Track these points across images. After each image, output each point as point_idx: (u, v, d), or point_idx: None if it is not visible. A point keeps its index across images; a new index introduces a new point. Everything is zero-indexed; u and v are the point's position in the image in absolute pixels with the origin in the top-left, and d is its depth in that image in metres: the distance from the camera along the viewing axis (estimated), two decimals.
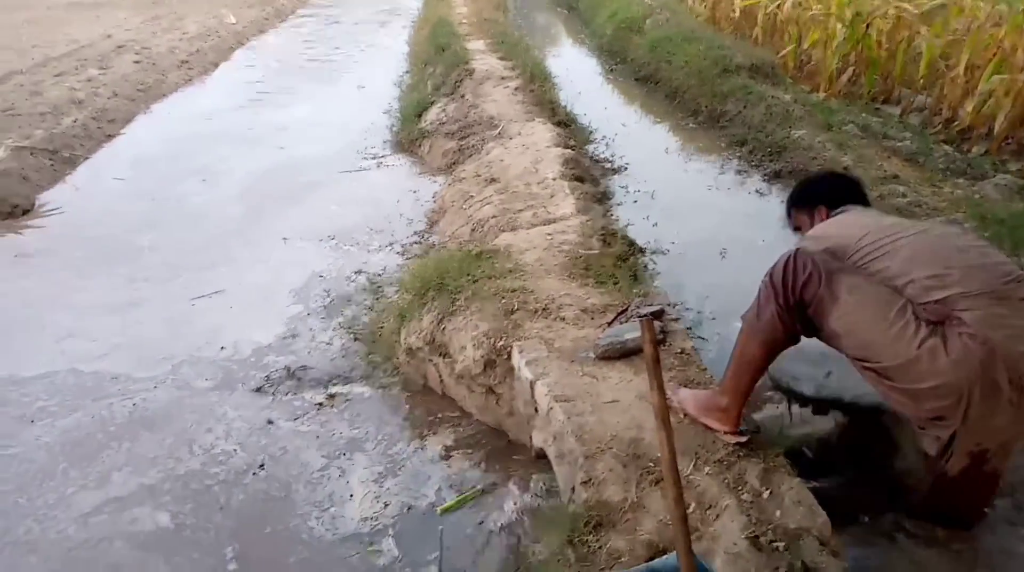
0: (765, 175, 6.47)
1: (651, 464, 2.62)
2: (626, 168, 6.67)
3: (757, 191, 6.24)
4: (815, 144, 6.66)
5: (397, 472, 3.35)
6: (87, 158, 7.59)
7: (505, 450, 3.48)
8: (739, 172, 6.64)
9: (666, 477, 2.09)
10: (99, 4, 15.89)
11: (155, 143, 8.08)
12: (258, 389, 3.94)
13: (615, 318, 3.57)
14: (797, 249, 2.52)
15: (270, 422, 3.70)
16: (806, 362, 3.24)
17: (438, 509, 3.11)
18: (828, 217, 2.85)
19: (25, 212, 6.27)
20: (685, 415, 2.83)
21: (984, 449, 2.31)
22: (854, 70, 9.11)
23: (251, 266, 5.28)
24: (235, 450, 3.52)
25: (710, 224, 5.56)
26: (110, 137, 8.25)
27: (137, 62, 10.81)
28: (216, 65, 11.68)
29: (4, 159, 6.75)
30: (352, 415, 3.74)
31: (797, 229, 3.06)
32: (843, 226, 2.67)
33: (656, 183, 6.33)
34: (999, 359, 2.18)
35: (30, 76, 9.80)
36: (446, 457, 3.45)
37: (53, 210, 6.38)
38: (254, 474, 3.35)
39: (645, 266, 4.51)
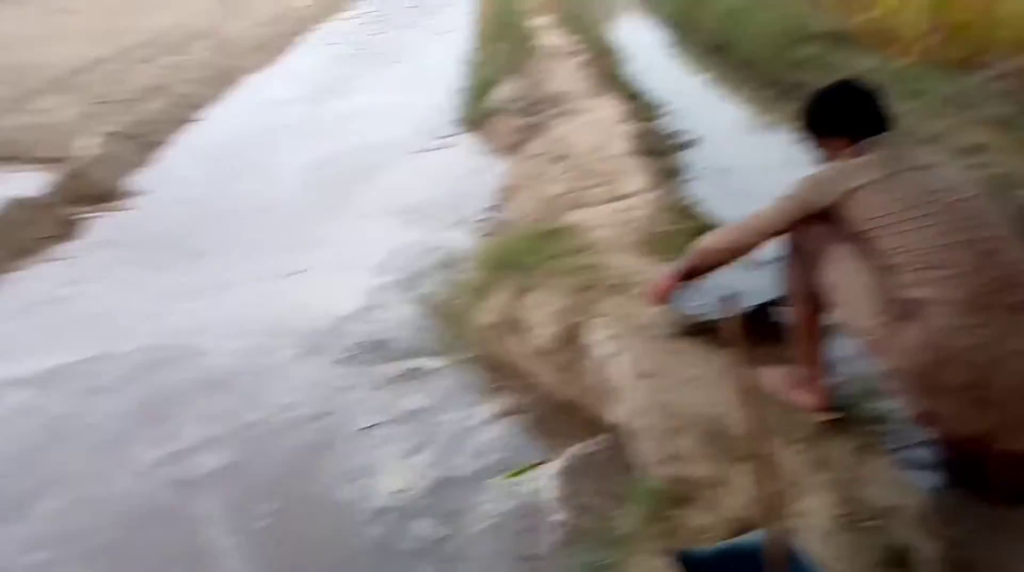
0: None
1: (735, 441, 2.61)
2: (697, 142, 6.55)
3: None
4: (897, 113, 6.39)
5: (461, 442, 3.43)
6: (169, 143, 7.88)
7: (578, 425, 3.50)
8: None
9: (753, 453, 2.09)
10: None
11: (232, 128, 8.33)
12: (338, 360, 4.05)
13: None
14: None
15: (342, 389, 3.83)
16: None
17: (504, 475, 3.16)
18: (843, 151, 2.54)
19: (116, 196, 6.56)
20: (770, 392, 2.80)
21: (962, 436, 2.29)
22: (938, 34, 8.68)
23: (331, 245, 5.41)
24: (304, 409, 3.69)
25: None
26: (190, 122, 8.54)
27: (212, 48, 11.12)
28: (288, 49, 11.91)
29: (96, 144, 7.06)
30: (425, 388, 3.81)
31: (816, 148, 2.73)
32: (848, 177, 2.44)
33: (728, 158, 6.19)
34: (951, 365, 2.16)
35: (115, 63, 10.20)
36: (515, 429, 3.49)
37: (139, 194, 6.66)
38: (314, 423, 3.52)
39: None
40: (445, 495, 3.13)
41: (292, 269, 5.08)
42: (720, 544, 2.22)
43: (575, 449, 3.33)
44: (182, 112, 8.68)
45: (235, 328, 4.46)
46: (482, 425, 3.53)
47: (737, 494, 2.40)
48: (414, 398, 3.74)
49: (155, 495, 3.22)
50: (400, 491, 3.16)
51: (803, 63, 7.81)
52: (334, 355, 4.11)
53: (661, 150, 6.22)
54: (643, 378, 3.05)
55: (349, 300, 4.62)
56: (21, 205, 5.81)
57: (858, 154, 2.47)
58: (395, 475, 3.25)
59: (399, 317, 4.43)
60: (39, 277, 5.27)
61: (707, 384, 2.92)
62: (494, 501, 3.06)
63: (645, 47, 10.10)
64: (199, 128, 8.42)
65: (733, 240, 2.80)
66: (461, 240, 5.28)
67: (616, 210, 4.82)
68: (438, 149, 7.14)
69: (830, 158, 2.59)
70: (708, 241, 2.95)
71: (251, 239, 5.59)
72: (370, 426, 3.55)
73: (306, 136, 7.75)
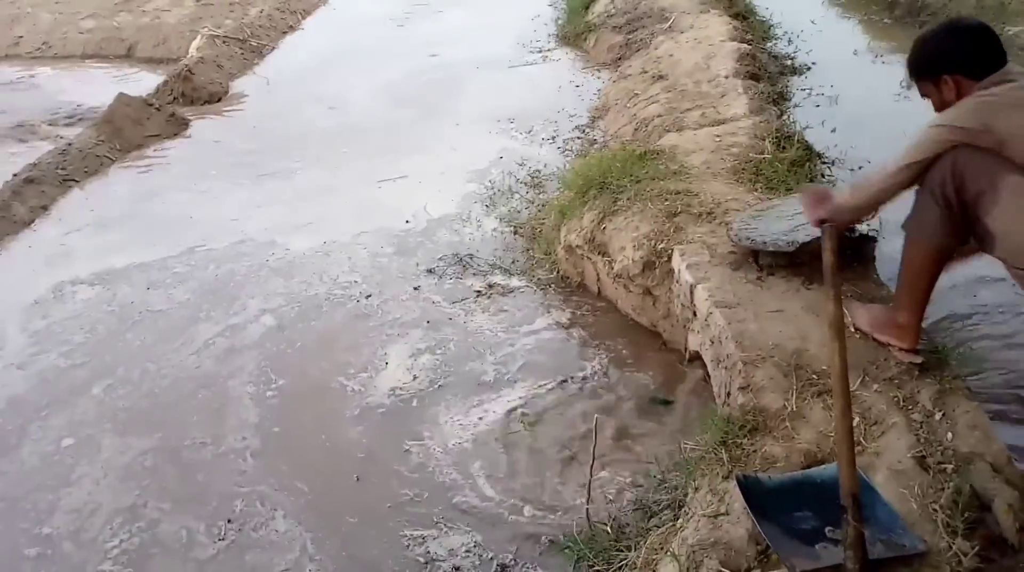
0: None
1: (814, 376, 2.56)
2: (809, 68, 6.19)
3: None
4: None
5: (485, 351, 3.51)
6: (273, 48, 8.03)
7: (651, 348, 3.51)
8: None
9: (835, 388, 2.06)
10: None
11: (332, 37, 8.39)
12: (429, 270, 4.15)
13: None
14: (955, 147, 2.29)
15: (416, 288, 4.00)
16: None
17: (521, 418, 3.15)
18: (969, 90, 2.36)
19: (220, 99, 6.77)
20: (857, 330, 2.72)
21: None
22: None
23: (426, 155, 5.49)
24: (357, 289, 3.98)
25: (899, 135, 5.08)
26: (292, 28, 8.65)
27: None
28: None
29: (201, 47, 7.27)
30: (505, 303, 3.87)
31: (925, 95, 2.55)
32: (999, 109, 2.26)
33: (841, 86, 5.84)
34: None
35: None
36: (590, 350, 3.53)
37: (244, 97, 6.85)
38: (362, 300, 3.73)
39: (822, 174, 4.24)
40: (431, 400, 3.25)
41: (386, 176, 5.19)
42: (790, 474, 2.22)
43: (655, 374, 3.36)
44: (286, 18, 8.79)
45: (324, 227, 4.64)
46: (522, 339, 3.59)
47: (812, 427, 2.38)
48: (470, 306, 3.83)
49: (202, 365, 3.54)
50: (394, 389, 3.32)
51: None
52: (412, 257, 4.25)
53: (768, 73, 5.93)
54: (725, 307, 3.00)
55: (437, 208, 4.71)
56: (132, 102, 6.07)
57: (988, 87, 2.30)
58: (397, 373, 3.42)
59: (485, 231, 4.48)
60: (141, 173, 5.57)
61: (789, 317, 2.85)
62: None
63: None
64: (300, 36, 8.52)
65: (889, 181, 2.53)
66: (552, 157, 5.23)
67: (714, 135, 4.65)
68: (534, 63, 7.02)
69: (951, 100, 2.41)
70: (864, 189, 2.57)
71: (347, 146, 5.72)
72: (402, 320, 3.74)
73: (406, 47, 7.74)
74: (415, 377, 3.40)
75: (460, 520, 2.68)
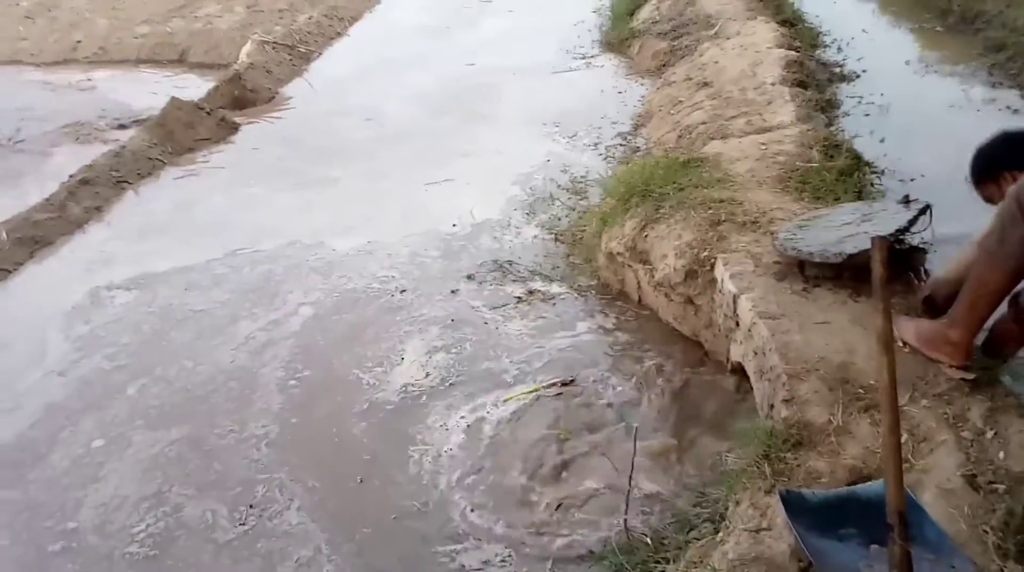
0: None
1: (860, 390, 2.51)
2: (858, 76, 6.07)
3: (1010, 108, 5.45)
4: None
5: (506, 351, 3.55)
6: (320, 54, 8.16)
7: (695, 359, 3.48)
8: (992, 85, 5.81)
9: (883, 402, 2.00)
10: None
11: (378, 42, 8.49)
12: (469, 276, 4.18)
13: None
14: None
15: (454, 291, 4.06)
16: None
17: (504, 398, 3.28)
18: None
19: (268, 101, 6.91)
20: (905, 344, 2.66)
21: None
22: None
23: (472, 159, 5.55)
24: (392, 285, 4.10)
25: (950, 146, 4.93)
26: (339, 35, 8.78)
27: None
28: None
29: (251, 53, 7.42)
30: (546, 311, 3.87)
31: (989, 200, 2.67)
32: None
33: (892, 95, 5.70)
34: None
35: None
36: (625, 356, 3.52)
37: (291, 102, 6.98)
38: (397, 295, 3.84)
39: (871, 184, 4.16)
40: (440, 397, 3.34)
41: (432, 179, 5.25)
42: (835, 490, 2.18)
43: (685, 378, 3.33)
44: (333, 24, 8.93)
45: (369, 228, 4.72)
46: (553, 342, 3.61)
47: (858, 443, 2.33)
48: (530, 315, 3.83)
49: (237, 358, 3.67)
50: (407, 385, 3.42)
51: None
52: (454, 260, 4.29)
53: (816, 81, 5.83)
54: (769, 318, 2.96)
55: (481, 212, 4.74)
56: (183, 107, 6.23)
57: None
58: (412, 369, 3.52)
59: (526, 237, 4.49)
60: (191, 176, 5.70)
61: (835, 329, 2.80)
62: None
63: None
64: (346, 42, 8.65)
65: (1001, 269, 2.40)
66: (594, 164, 5.22)
67: (759, 142, 4.60)
68: (577, 70, 7.02)
69: None
70: (976, 283, 2.48)
71: (392, 150, 5.78)
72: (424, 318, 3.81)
73: (450, 53, 7.80)
74: (428, 374, 3.49)
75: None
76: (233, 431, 3.25)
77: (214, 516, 2.87)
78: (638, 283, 3.89)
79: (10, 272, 4.50)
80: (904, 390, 2.44)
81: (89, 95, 7.27)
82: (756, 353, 2.96)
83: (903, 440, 2.23)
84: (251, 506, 2.89)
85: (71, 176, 5.33)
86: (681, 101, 5.70)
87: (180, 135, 6.12)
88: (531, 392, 3.31)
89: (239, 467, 3.07)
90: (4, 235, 4.63)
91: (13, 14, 9.27)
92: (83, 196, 5.24)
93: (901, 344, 2.65)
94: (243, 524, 2.81)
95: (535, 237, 4.49)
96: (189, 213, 5.15)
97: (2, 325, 4.08)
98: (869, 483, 2.15)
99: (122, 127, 6.44)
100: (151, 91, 7.06)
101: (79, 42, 8.44)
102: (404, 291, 4.10)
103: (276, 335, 3.82)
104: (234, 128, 6.38)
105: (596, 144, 5.53)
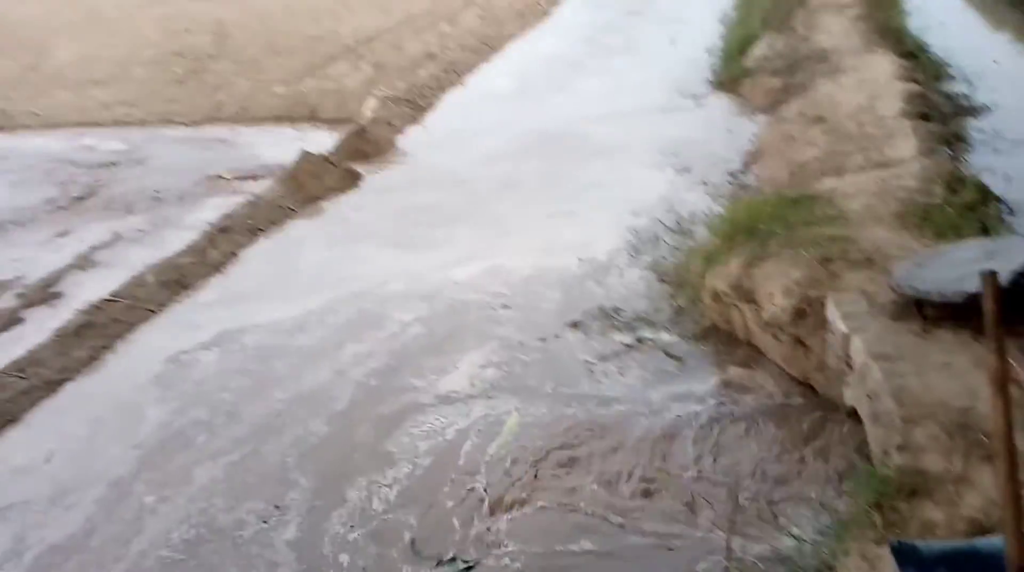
0: None
1: (983, 437, 2.35)
2: (989, 110, 5.71)
3: None
4: None
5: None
6: (436, 105, 8.54)
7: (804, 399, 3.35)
8: None
9: (998, 449, 1.88)
10: None
11: (491, 90, 8.81)
12: (574, 324, 4.18)
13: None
14: None
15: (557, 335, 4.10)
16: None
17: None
18: None
19: (387, 152, 7.30)
20: None
21: None
22: None
23: (574, 202, 5.61)
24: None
25: None
26: (456, 86, 9.16)
27: (481, 16, 11.76)
28: (547, 14, 12.23)
29: (375, 108, 7.88)
30: (653, 359, 3.83)
31: None
32: None
33: None
34: None
35: (394, 33, 11.20)
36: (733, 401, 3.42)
37: (410, 151, 7.33)
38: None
39: (1000, 219, 3.90)
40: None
41: (550, 213, 5.41)
42: (951, 543, 2.04)
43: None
44: (450, 77, 9.34)
45: (488, 256, 4.95)
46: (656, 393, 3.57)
47: (979, 493, 2.18)
48: (642, 365, 3.81)
49: (335, 379, 3.96)
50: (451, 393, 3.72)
51: None
52: (569, 318, 4.27)
53: (940, 114, 5.54)
54: (884, 360, 2.83)
55: (588, 249, 4.79)
56: (311, 159, 6.67)
57: None
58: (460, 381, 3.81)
59: (632, 279, 4.48)
60: (319, 223, 6.06)
61: (956, 372, 2.64)
62: None
63: None
64: (462, 92, 9.01)
65: None
66: (701, 202, 5.17)
67: (877, 178, 4.43)
68: (685, 109, 7.00)
69: None
70: None
71: (509, 189, 5.96)
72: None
73: (562, 94, 7.97)
74: None
75: None
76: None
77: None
78: (745, 323, 3.81)
79: (154, 312, 4.94)
80: None
81: (229, 150, 7.91)
82: (869, 397, 2.83)
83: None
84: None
85: (211, 225, 5.80)
86: (794, 137, 5.58)
87: (309, 186, 6.55)
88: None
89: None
90: (151, 278, 5.10)
91: (167, 79, 10.27)
92: (221, 243, 5.68)
93: None
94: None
95: (640, 277, 4.48)
96: (318, 255, 5.47)
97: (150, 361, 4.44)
98: (990, 536, 2.00)
99: (257, 179, 6.96)
100: (284, 146, 7.60)
101: (222, 102, 9.23)
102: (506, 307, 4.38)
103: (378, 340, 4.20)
104: (357, 177, 6.76)
105: (704, 182, 5.48)
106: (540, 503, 3.01)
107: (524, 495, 3.06)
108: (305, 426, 3.63)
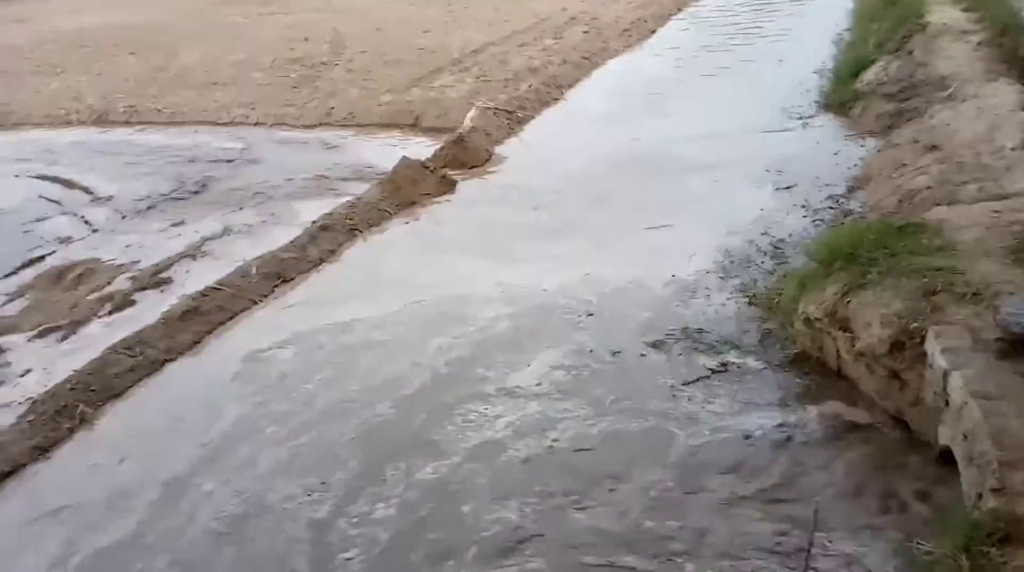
0: None
1: None
2: None
3: None
4: None
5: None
6: (534, 117, 8.64)
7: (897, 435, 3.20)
8: None
9: None
10: None
11: (589, 106, 8.84)
12: (653, 344, 4.14)
13: None
14: None
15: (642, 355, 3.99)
16: None
17: None
18: None
19: (484, 161, 7.43)
20: None
21: None
22: None
23: (675, 218, 5.57)
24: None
25: None
26: (555, 100, 9.25)
27: (586, 32, 11.83)
28: (653, 32, 12.17)
29: (475, 118, 8.05)
30: (741, 388, 3.73)
31: None
32: None
33: None
34: None
35: (500, 47, 11.41)
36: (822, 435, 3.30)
37: (506, 161, 7.45)
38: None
39: None
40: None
41: (650, 224, 5.41)
42: None
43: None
44: (550, 91, 9.43)
45: (582, 265, 5.00)
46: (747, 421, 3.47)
47: None
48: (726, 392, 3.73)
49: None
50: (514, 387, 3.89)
51: None
52: (651, 338, 4.22)
53: None
54: (984, 399, 2.67)
55: (673, 278, 4.73)
56: (409, 164, 6.87)
57: None
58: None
59: (722, 302, 4.38)
60: (413, 224, 6.23)
61: None
62: None
63: None
64: (563, 106, 9.08)
65: None
66: (800, 226, 5.03)
67: (992, 210, 4.19)
68: (792, 130, 6.82)
69: None
70: None
71: (605, 201, 5.96)
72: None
73: (661, 112, 7.93)
74: None
75: None
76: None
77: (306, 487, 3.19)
78: (837, 352, 3.67)
79: (256, 303, 5.19)
80: None
81: (336, 153, 8.25)
82: (966, 436, 2.69)
83: None
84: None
85: (313, 222, 6.06)
86: (905, 164, 5.35)
87: (407, 190, 6.75)
88: None
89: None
90: (254, 270, 5.37)
91: (283, 84, 10.81)
92: (322, 240, 5.93)
93: None
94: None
95: (729, 298, 4.38)
96: (413, 257, 5.63)
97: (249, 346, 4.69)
98: None
99: (359, 181, 7.23)
100: (387, 151, 7.87)
101: (333, 108, 9.64)
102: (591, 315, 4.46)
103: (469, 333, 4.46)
104: (452, 184, 6.91)
105: (804, 205, 5.32)
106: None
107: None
108: (373, 409, 3.91)
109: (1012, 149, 4.88)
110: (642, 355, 4.03)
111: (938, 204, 4.49)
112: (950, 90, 6.17)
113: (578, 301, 4.63)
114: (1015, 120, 5.28)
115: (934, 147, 5.35)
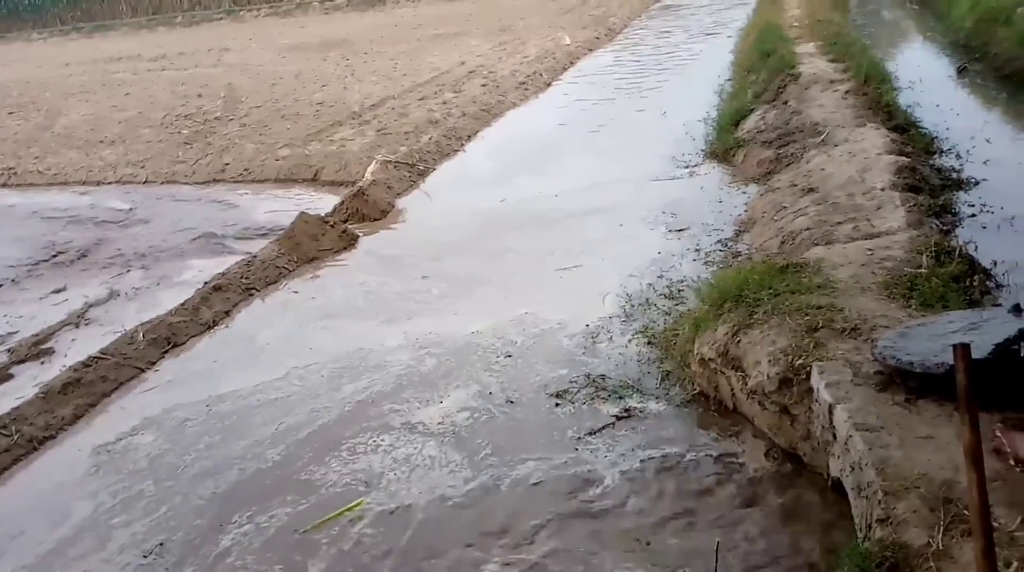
0: None
1: (965, 511, 2.30)
2: (976, 183, 5.75)
3: None
4: None
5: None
6: (435, 169, 8.69)
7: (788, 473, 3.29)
8: None
9: (973, 524, 1.85)
10: (457, 34, 17.97)
11: (489, 157, 8.97)
12: (555, 394, 4.15)
13: None
14: None
15: (554, 402, 3.98)
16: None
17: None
18: None
19: (385, 214, 7.39)
20: (1019, 463, 2.43)
21: None
22: None
23: (563, 272, 5.66)
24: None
25: None
26: (456, 151, 9.34)
27: (484, 85, 12.07)
28: (548, 85, 12.53)
29: (375, 171, 8.02)
30: (640, 431, 3.77)
31: None
32: None
33: (1016, 205, 5.32)
34: None
35: (400, 100, 11.49)
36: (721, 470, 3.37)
37: (407, 213, 7.43)
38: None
39: (986, 292, 3.90)
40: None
41: (560, 265, 5.53)
42: None
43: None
44: (451, 143, 9.53)
45: (485, 312, 5.05)
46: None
47: (960, 569, 2.12)
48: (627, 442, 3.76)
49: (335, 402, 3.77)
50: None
51: None
52: (553, 388, 4.23)
53: (930, 187, 5.60)
54: (867, 431, 2.79)
55: (570, 323, 4.79)
56: (310, 220, 6.75)
57: None
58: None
59: (617, 347, 4.46)
60: (313, 281, 6.10)
61: (939, 444, 2.60)
62: None
63: (925, 75, 9.15)
64: (461, 157, 9.18)
65: None
66: (692, 270, 5.20)
67: (865, 248, 4.46)
68: (680, 178, 7.10)
69: None
70: None
71: (507, 251, 6.04)
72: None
73: (554, 166, 8.11)
74: None
75: None
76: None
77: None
78: (732, 390, 3.78)
79: (143, 370, 4.92)
80: (1015, 513, 2.22)
81: (231, 210, 8.03)
82: (853, 468, 2.79)
83: (1011, 569, 2.01)
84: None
85: (205, 283, 5.84)
86: (785, 207, 5.64)
87: (306, 246, 6.61)
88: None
89: None
90: (141, 336, 5.11)
91: (175, 140, 10.52)
92: (214, 302, 5.71)
93: (1013, 463, 2.43)
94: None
95: (627, 344, 4.47)
96: (314, 311, 5.51)
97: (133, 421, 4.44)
98: None
99: (258, 236, 7.04)
100: (285, 207, 7.71)
101: (227, 164, 9.41)
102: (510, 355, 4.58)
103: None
104: (354, 238, 6.83)
105: (696, 250, 5.52)
106: None
107: None
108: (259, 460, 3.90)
109: (881, 189, 5.23)
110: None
111: (817, 244, 4.74)
112: (823, 136, 6.59)
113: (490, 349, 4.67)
114: (883, 162, 5.67)
115: (811, 190, 5.67)
